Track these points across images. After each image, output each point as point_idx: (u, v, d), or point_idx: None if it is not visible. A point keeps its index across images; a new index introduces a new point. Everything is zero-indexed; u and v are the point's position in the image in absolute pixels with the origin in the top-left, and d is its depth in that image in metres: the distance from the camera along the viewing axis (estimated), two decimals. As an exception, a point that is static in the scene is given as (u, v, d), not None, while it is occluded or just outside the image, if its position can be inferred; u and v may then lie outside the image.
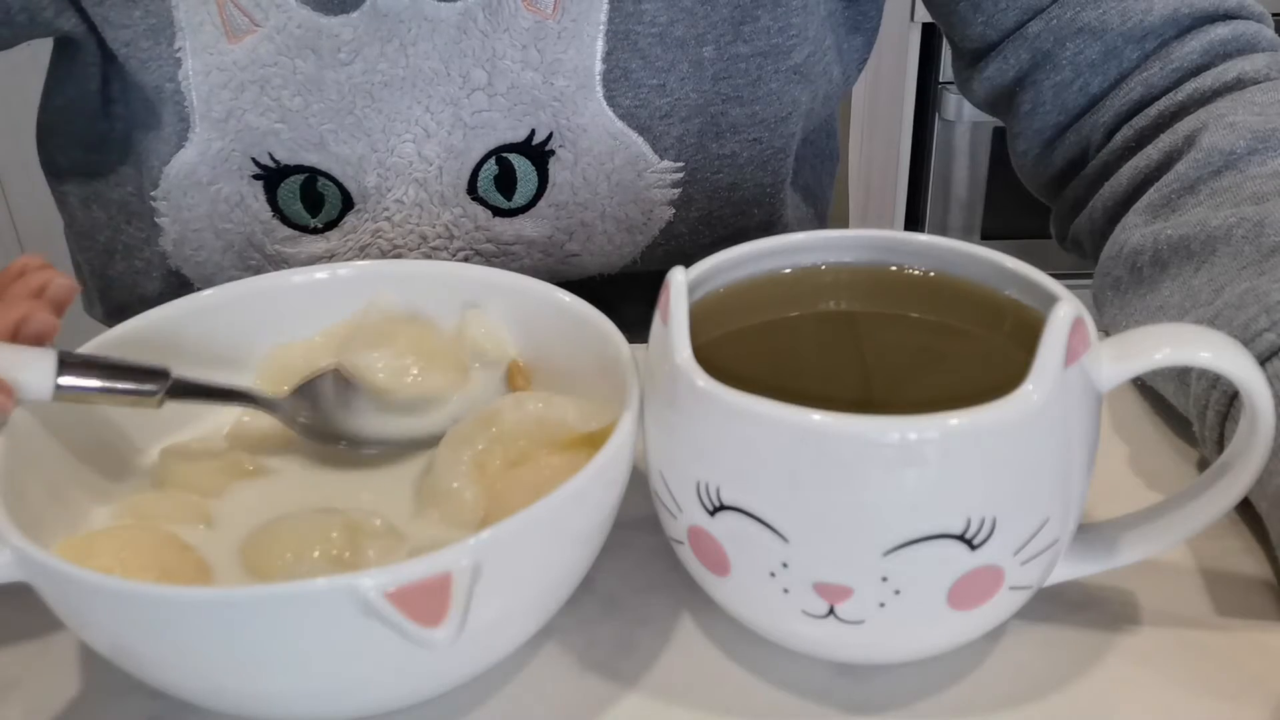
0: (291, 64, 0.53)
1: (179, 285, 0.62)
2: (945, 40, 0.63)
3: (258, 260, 0.59)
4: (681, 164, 0.58)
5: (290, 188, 0.57)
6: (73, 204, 0.66)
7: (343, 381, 0.44)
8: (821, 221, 0.74)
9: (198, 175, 0.56)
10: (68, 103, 0.63)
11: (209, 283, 0.60)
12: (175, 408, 0.44)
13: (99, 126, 0.62)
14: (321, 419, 0.43)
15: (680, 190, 0.59)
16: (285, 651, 0.31)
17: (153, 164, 0.58)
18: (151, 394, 0.40)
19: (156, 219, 0.59)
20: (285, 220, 0.58)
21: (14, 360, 0.37)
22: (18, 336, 0.38)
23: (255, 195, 0.57)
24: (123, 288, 0.65)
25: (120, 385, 0.39)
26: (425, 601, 0.30)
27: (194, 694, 0.34)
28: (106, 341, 0.42)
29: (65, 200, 0.66)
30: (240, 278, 0.59)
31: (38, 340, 0.39)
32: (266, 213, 0.57)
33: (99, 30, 0.56)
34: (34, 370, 0.37)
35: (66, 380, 0.38)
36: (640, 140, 0.57)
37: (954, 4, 0.59)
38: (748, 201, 0.61)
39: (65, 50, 0.62)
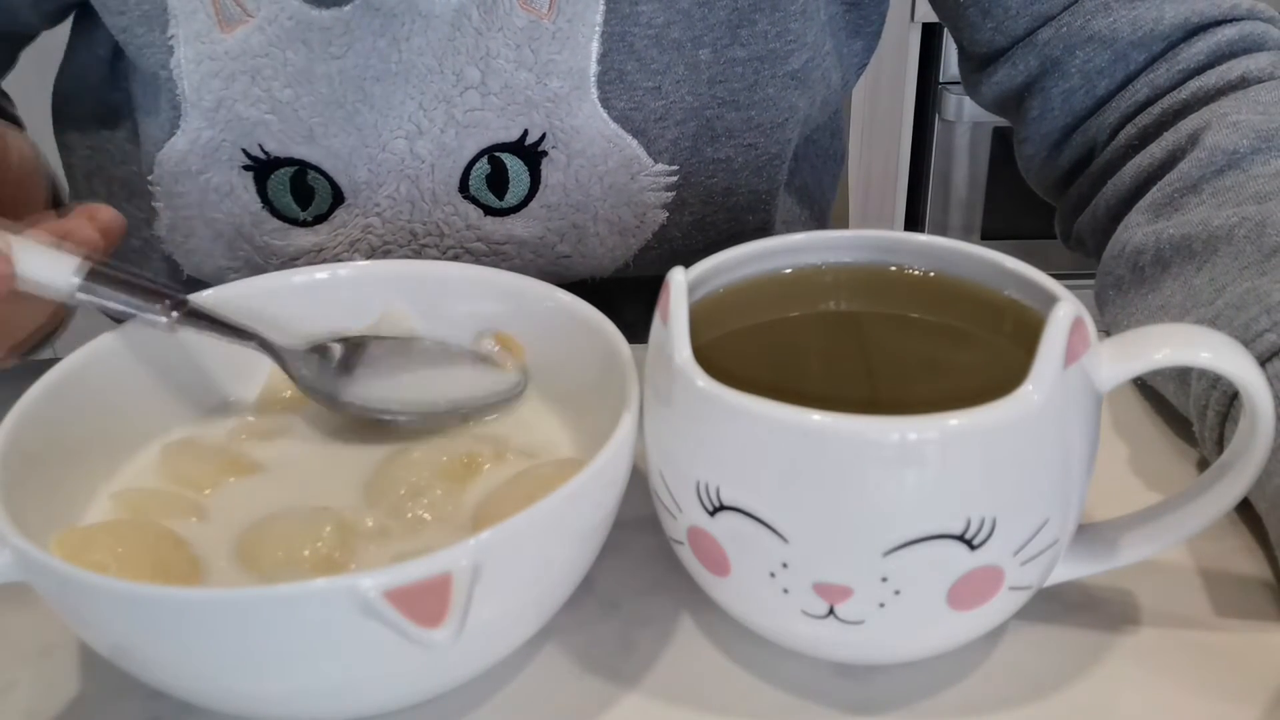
0: (282, 55, 0.53)
1: (173, 269, 0.62)
2: (948, 41, 0.63)
3: (246, 251, 0.59)
4: (676, 168, 0.58)
5: (280, 180, 0.57)
6: (77, 177, 0.66)
7: (355, 351, 0.45)
8: (822, 222, 0.74)
9: (188, 164, 0.56)
10: (80, 70, 0.63)
11: (199, 271, 0.61)
12: (176, 401, 0.44)
13: (109, 99, 0.62)
14: (325, 382, 0.44)
15: (674, 194, 0.59)
16: (285, 652, 0.31)
17: (148, 149, 0.58)
18: (162, 316, 0.41)
19: (153, 203, 0.59)
20: (275, 212, 0.58)
21: (45, 258, 0.40)
22: (60, 247, 0.41)
23: (245, 186, 0.57)
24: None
25: (136, 301, 0.41)
26: (425, 602, 0.30)
27: (194, 694, 0.34)
28: (105, 344, 0.42)
29: (71, 173, 0.66)
30: (229, 268, 0.60)
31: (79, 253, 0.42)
32: (256, 204, 0.57)
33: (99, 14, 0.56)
34: (60, 268, 0.40)
35: (87, 286, 0.40)
36: (634, 143, 0.57)
37: (963, 9, 0.59)
38: (741, 207, 0.61)
39: (85, 15, 0.62)
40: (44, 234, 0.41)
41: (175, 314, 0.41)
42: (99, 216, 0.44)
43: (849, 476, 0.31)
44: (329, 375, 0.44)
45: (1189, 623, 0.38)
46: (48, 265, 0.40)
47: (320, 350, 0.45)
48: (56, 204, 0.55)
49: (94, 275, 0.41)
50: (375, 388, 0.44)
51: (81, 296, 0.40)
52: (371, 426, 0.44)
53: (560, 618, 0.38)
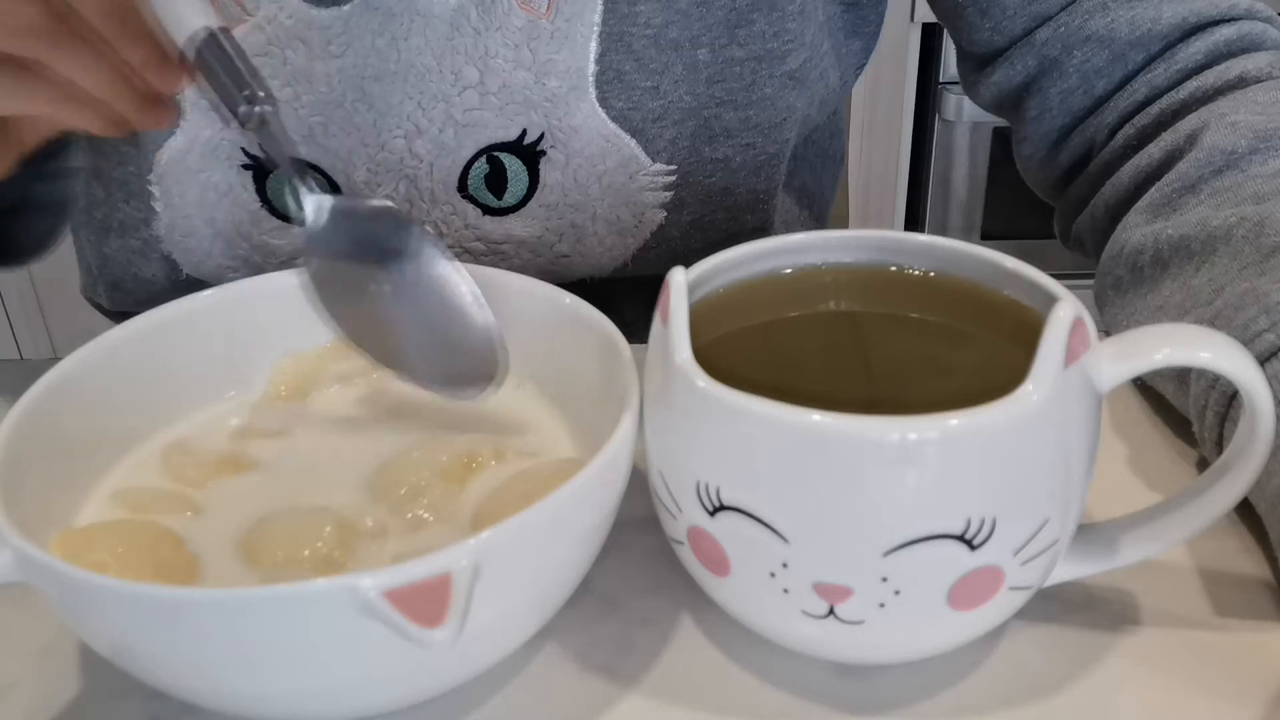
0: (282, 55, 0.54)
1: (173, 269, 0.62)
2: (948, 41, 0.63)
3: (245, 250, 0.59)
4: (674, 167, 0.58)
5: (279, 179, 0.57)
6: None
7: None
8: (821, 222, 0.74)
9: (188, 163, 0.57)
10: None
11: (198, 270, 0.61)
12: (175, 400, 0.44)
13: None
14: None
15: (672, 194, 0.59)
16: (285, 652, 0.31)
17: (147, 149, 0.58)
18: (242, 109, 0.41)
19: (152, 203, 0.59)
20: (273, 211, 0.58)
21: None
22: None
23: (244, 185, 0.57)
24: (118, 265, 0.65)
25: (230, 88, 0.41)
26: (425, 602, 0.30)
27: (194, 694, 0.34)
28: (105, 344, 0.42)
29: None
30: (229, 267, 0.60)
31: None
32: (255, 203, 0.58)
33: None
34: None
35: (211, 39, 0.40)
36: (632, 142, 0.57)
37: (961, 9, 0.59)
38: (740, 206, 0.61)
39: None
40: None
41: (255, 111, 0.41)
42: None
43: (849, 476, 0.31)
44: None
45: (1189, 623, 0.38)
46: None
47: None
48: None
49: (215, 42, 0.40)
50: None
51: (202, 43, 0.40)
52: (372, 425, 0.44)
53: (560, 618, 0.38)
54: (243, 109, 0.41)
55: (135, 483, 0.41)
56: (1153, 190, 0.51)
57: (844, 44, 0.65)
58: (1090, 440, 0.34)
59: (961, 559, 0.32)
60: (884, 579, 0.32)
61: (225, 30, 0.41)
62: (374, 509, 0.40)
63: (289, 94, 0.54)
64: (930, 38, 1.67)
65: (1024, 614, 0.37)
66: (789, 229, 0.69)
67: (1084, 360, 0.32)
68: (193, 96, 0.55)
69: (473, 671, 0.36)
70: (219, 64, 0.41)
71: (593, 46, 0.55)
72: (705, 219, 0.61)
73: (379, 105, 0.55)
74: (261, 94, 0.41)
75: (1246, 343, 0.40)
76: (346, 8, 0.53)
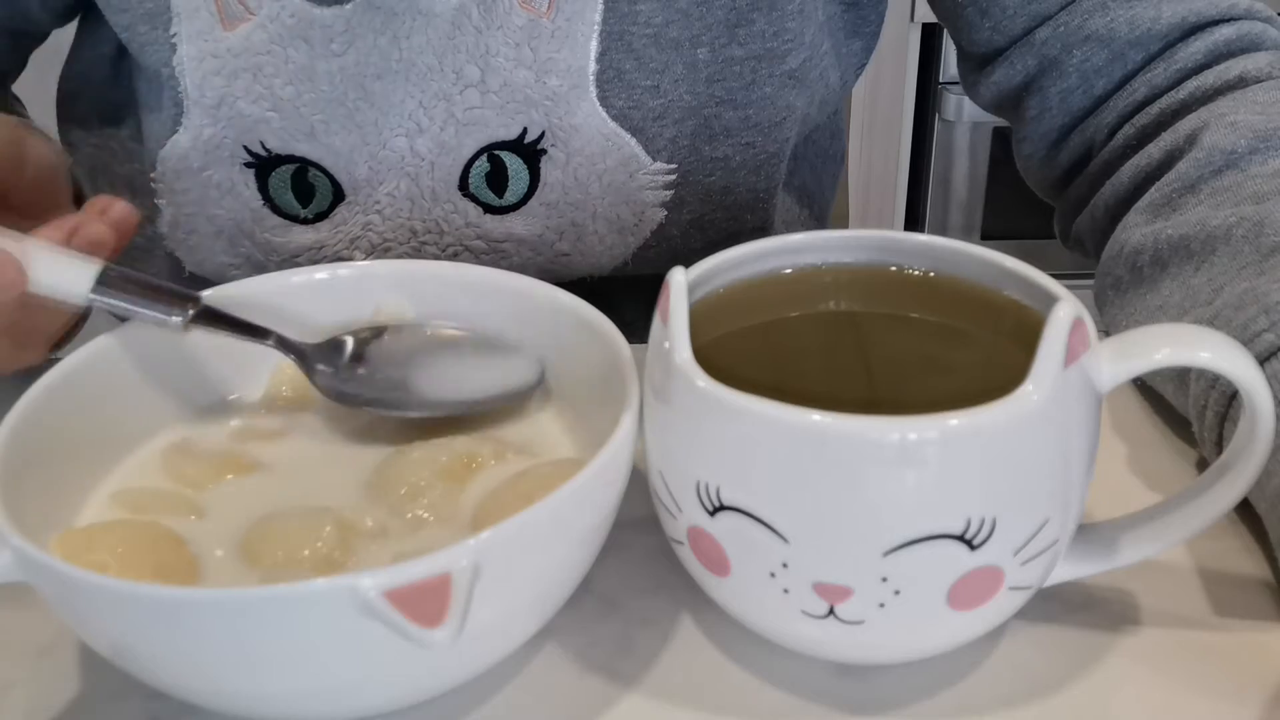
0: (284, 53, 0.54)
1: (175, 267, 0.62)
2: (948, 41, 0.63)
3: (247, 248, 0.59)
4: (674, 166, 0.58)
5: (281, 177, 0.57)
6: (80, 175, 0.66)
7: (366, 344, 0.45)
8: (821, 222, 0.74)
9: (190, 161, 0.57)
10: (85, 68, 0.63)
11: (200, 268, 0.61)
12: (176, 401, 0.44)
13: (112, 96, 0.62)
14: (340, 378, 0.44)
15: (672, 192, 0.59)
16: (285, 652, 0.31)
17: (151, 146, 0.58)
18: (177, 318, 0.42)
19: (155, 200, 0.59)
20: (276, 209, 0.58)
21: (58, 263, 0.41)
22: (70, 243, 0.42)
23: (246, 183, 0.57)
24: (121, 262, 0.65)
25: (150, 304, 0.42)
26: (425, 602, 0.30)
27: (194, 694, 0.34)
28: (105, 344, 0.42)
29: (74, 171, 0.67)
30: (230, 265, 0.60)
31: (90, 249, 0.42)
32: (257, 201, 0.58)
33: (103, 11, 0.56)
34: (74, 273, 0.41)
35: (100, 291, 0.41)
36: (633, 141, 0.57)
37: (961, 9, 0.59)
38: (740, 205, 0.61)
39: (89, 13, 0.63)
40: (55, 232, 0.42)
41: (190, 313, 0.42)
42: (111, 211, 0.44)
43: (849, 476, 0.31)
44: (343, 370, 0.44)
45: (1189, 623, 0.38)
46: (60, 273, 0.41)
47: (333, 344, 0.45)
48: (79, 202, 0.55)
49: (107, 280, 0.41)
50: (389, 382, 0.44)
51: (96, 299, 0.41)
52: (372, 426, 0.44)
53: (560, 618, 0.38)
54: (180, 318, 0.42)
55: (136, 483, 0.41)
56: (1152, 190, 0.51)
57: (844, 44, 0.65)
58: (1090, 440, 0.34)
59: (961, 559, 0.32)
60: (884, 579, 0.32)
61: (108, 264, 0.42)
62: (374, 509, 0.40)
63: (291, 92, 0.54)
64: (930, 38, 1.67)
65: (1024, 614, 0.37)
66: (789, 228, 0.69)
67: (1084, 360, 0.32)
68: (195, 94, 0.55)
69: (473, 671, 0.36)
70: (128, 295, 0.41)
71: (593, 45, 0.55)
72: (705, 218, 0.61)
73: (380, 103, 0.55)
74: (185, 292, 0.42)
75: (1246, 343, 0.40)
76: (348, 6, 0.53)
